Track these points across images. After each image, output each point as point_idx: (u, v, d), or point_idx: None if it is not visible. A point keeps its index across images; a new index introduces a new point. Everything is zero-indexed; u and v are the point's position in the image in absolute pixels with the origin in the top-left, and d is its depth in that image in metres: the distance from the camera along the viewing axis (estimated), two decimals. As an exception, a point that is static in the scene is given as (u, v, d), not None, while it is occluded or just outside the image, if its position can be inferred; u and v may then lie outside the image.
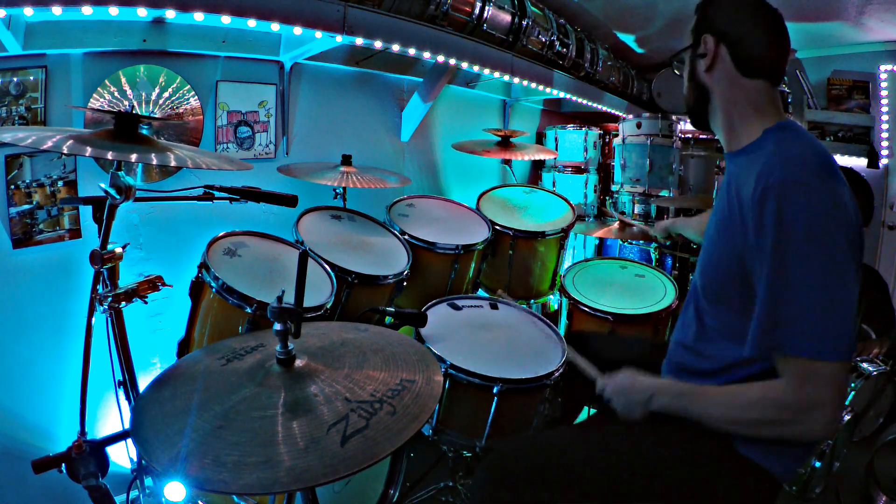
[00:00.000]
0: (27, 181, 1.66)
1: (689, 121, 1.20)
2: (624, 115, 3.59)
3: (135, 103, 1.85)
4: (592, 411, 1.61)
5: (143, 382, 1.05)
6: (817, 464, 1.86)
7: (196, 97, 2.01)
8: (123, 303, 1.17)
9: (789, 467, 0.98)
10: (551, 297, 2.41)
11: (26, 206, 1.66)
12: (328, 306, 1.47)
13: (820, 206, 0.85)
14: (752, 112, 1.03)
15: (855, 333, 0.86)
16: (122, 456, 1.31)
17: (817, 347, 0.84)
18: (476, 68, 2.27)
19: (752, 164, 0.96)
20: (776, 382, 0.89)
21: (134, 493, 1.26)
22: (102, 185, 1.09)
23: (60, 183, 1.72)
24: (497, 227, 2.16)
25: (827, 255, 0.84)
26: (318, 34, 1.70)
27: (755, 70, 1.03)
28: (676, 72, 1.19)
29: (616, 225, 2.72)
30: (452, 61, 2.13)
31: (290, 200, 1.41)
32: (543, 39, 2.63)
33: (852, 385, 2.20)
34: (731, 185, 1.00)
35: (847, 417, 1.93)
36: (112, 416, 1.66)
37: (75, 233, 1.77)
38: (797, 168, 0.88)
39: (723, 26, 1.04)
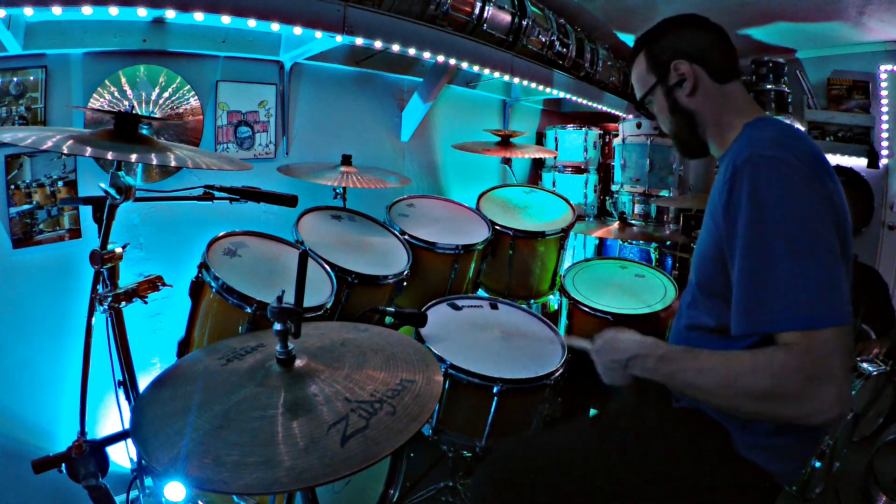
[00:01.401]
0: (27, 181, 1.66)
1: (680, 154, 1.19)
2: (624, 115, 3.59)
3: (135, 103, 1.85)
4: (594, 412, 1.61)
5: (143, 382, 1.05)
6: (817, 464, 1.86)
7: (196, 97, 2.01)
8: (123, 303, 1.17)
9: (790, 468, 0.98)
10: (551, 297, 2.41)
11: (26, 206, 1.66)
12: (328, 306, 1.47)
13: (791, 174, 0.84)
14: (735, 115, 1.05)
15: (848, 295, 0.82)
16: (122, 456, 1.31)
17: (814, 315, 0.78)
18: (476, 68, 2.27)
19: (729, 156, 0.98)
20: (779, 352, 0.80)
21: (134, 493, 1.26)
22: (102, 185, 1.09)
23: (60, 183, 1.72)
24: (497, 227, 2.16)
25: (808, 223, 0.82)
26: (318, 34, 1.71)
27: (726, 73, 1.06)
28: (646, 118, 1.20)
29: (616, 225, 2.72)
30: (452, 61, 2.13)
31: (290, 200, 1.41)
32: (543, 39, 2.63)
33: (852, 385, 2.20)
34: (716, 181, 1.02)
35: (847, 417, 1.93)
36: (112, 416, 1.66)
37: (75, 233, 1.77)
38: (764, 145, 0.89)
39: (688, 48, 1.07)
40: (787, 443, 0.95)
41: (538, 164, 4.03)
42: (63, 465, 1.06)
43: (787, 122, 1.01)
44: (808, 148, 0.90)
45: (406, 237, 1.94)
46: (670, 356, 0.93)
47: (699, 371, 0.88)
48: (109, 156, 1.01)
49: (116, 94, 1.81)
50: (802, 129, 3.65)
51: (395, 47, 1.89)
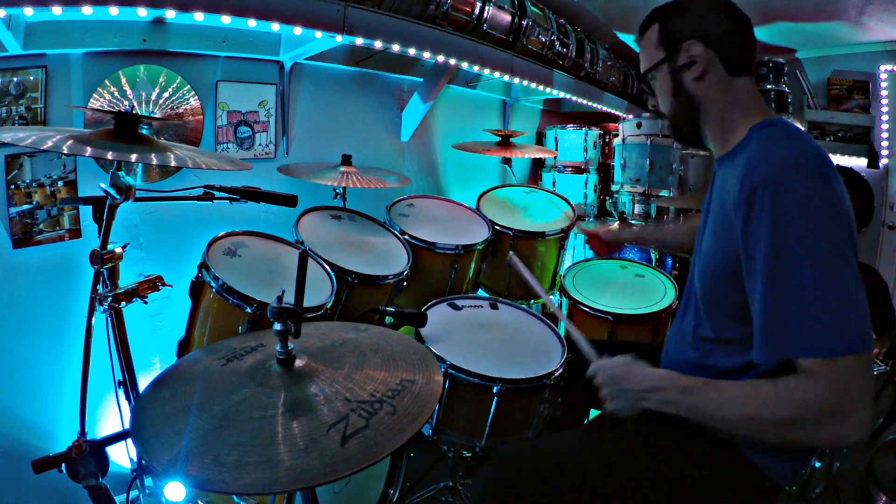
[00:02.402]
0: (27, 181, 1.66)
1: (675, 140, 1.14)
2: (624, 115, 3.59)
3: (135, 103, 1.85)
4: (596, 413, 1.61)
5: (143, 382, 1.05)
6: (817, 464, 1.86)
7: (196, 97, 2.01)
8: (123, 303, 1.17)
9: (791, 468, 0.98)
10: (551, 297, 2.41)
11: (26, 206, 1.66)
12: (328, 306, 1.47)
13: (813, 195, 0.82)
14: (742, 113, 1.00)
15: (869, 323, 0.82)
16: (122, 456, 1.31)
17: (839, 344, 0.78)
18: (476, 68, 2.27)
19: (737, 165, 0.93)
20: (800, 380, 0.81)
21: (134, 493, 1.26)
22: (102, 185, 1.09)
23: (60, 183, 1.72)
24: (497, 227, 2.16)
25: (831, 248, 0.80)
26: (318, 34, 1.71)
27: (741, 67, 1.00)
28: (647, 92, 1.13)
29: (616, 225, 2.72)
30: (452, 61, 2.13)
31: (290, 200, 1.41)
32: (543, 39, 2.63)
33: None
34: (722, 189, 0.98)
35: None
36: (112, 416, 1.66)
37: (75, 233, 1.77)
38: (783, 161, 0.85)
39: (707, 29, 1.00)
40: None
41: (538, 164, 4.03)
42: (63, 465, 1.06)
43: (791, 122, 0.98)
44: (819, 155, 0.87)
45: (406, 237, 1.94)
46: (691, 388, 0.92)
47: (721, 403, 0.88)
48: (109, 156, 1.00)
49: (116, 94, 1.81)
50: (802, 129, 3.65)
51: (395, 47, 1.89)
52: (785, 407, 0.81)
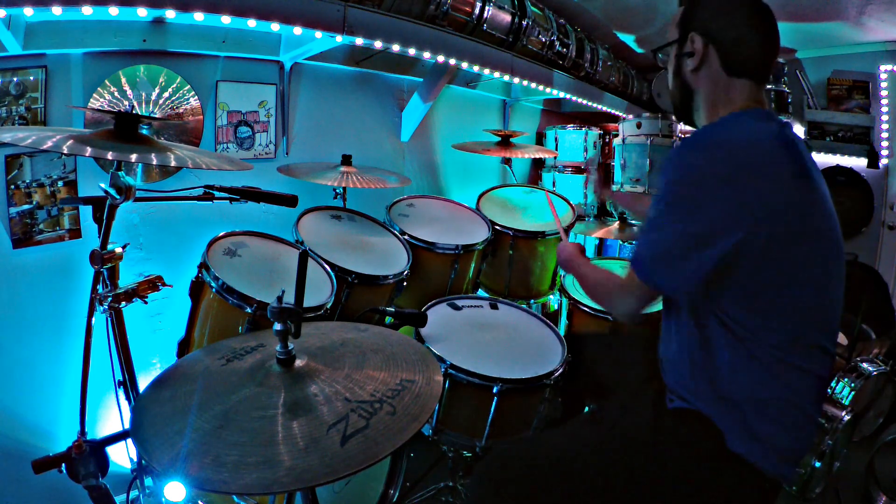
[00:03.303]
0: (27, 181, 1.66)
1: (674, 114, 1.23)
2: (624, 115, 3.59)
3: (135, 103, 1.85)
4: (590, 408, 1.61)
5: (143, 382, 1.05)
6: (817, 464, 1.86)
7: (196, 97, 2.01)
8: (123, 303, 1.17)
9: (780, 463, 0.96)
10: (551, 297, 2.41)
11: (26, 206, 1.66)
12: (328, 306, 1.47)
13: (700, 170, 0.92)
14: (734, 108, 1.03)
15: (678, 268, 0.94)
16: (122, 456, 1.31)
17: (644, 270, 0.99)
18: (476, 68, 2.27)
19: None
20: (625, 276, 1.07)
21: (134, 493, 1.26)
22: (102, 185, 1.09)
23: (60, 183, 1.72)
24: (497, 227, 2.16)
25: (696, 206, 0.91)
26: (318, 34, 1.70)
27: (742, 70, 1.02)
28: (660, 64, 1.19)
29: (616, 225, 2.72)
30: (452, 61, 2.13)
31: (290, 200, 1.41)
32: (543, 39, 2.63)
33: (852, 385, 2.20)
34: None
35: (847, 417, 1.93)
36: (112, 416, 1.66)
37: (75, 233, 1.77)
38: (710, 133, 0.97)
39: (713, 28, 1.02)
40: (778, 435, 0.95)
41: (538, 164, 4.03)
42: (63, 465, 1.06)
43: (772, 123, 0.99)
44: (770, 144, 0.93)
45: (406, 237, 1.94)
46: (581, 266, 1.31)
47: (590, 278, 1.25)
48: (109, 156, 1.00)
49: (116, 94, 1.81)
50: (802, 129, 3.65)
51: (395, 47, 1.89)
52: (606, 284, 1.17)
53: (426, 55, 2.02)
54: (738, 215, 0.89)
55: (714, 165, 0.91)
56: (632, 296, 1.06)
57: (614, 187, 3.62)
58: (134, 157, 1.07)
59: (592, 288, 1.24)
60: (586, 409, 1.59)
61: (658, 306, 1.97)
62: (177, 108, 1.97)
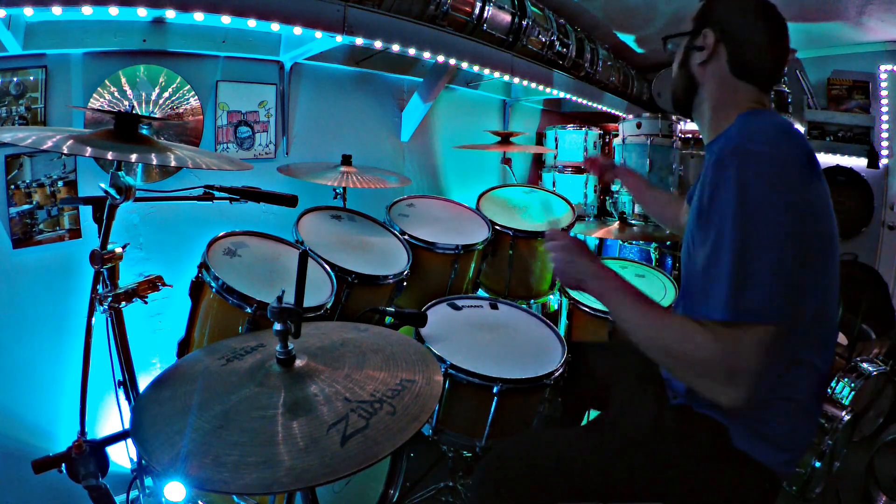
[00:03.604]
0: (27, 181, 1.66)
1: (672, 104, 1.20)
2: (624, 115, 3.59)
3: (135, 103, 1.85)
4: (594, 413, 1.61)
5: (143, 382, 1.05)
6: (817, 464, 1.86)
7: (196, 97, 2.01)
8: (123, 303, 1.17)
9: (783, 459, 0.97)
10: (551, 297, 2.41)
11: (26, 206, 1.66)
12: (328, 306, 1.47)
13: (776, 172, 0.84)
14: (737, 109, 1.03)
15: (797, 296, 0.85)
16: (122, 456, 1.31)
17: (762, 314, 0.82)
18: (476, 68, 2.27)
19: (719, 143, 0.98)
20: (711, 334, 0.84)
21: (134, 493, 1.26)
22: (102, 185, 1.09)
23: (60, 183, 1.72)
24: (497, 227, 2.16)
25: (775, 224, 0.83)
26: (318, 34, 1.70)
27: (749, 75, 1.03)
28: (669, 53, 1.18)
29: (616, 225, 2.72)
30: (452, 61, 2.13)
31: (290, 200, 1.41)
32: (543, 39, 2.63)
33: (852, 385, 2.20)
34: (705, 169, 1.01)
35: (847, 417, 1.93)
36: (112, 416, 1.66)
37: (75, 233, 1.77)
38: (754, 137, 0.89)
39: (728, 26, 1.03)
40: (782, 431, 0.95)
41: (538, 164, 4.03)
42: (63, 465, 1.06)
43: (783, 117, 1.00)
44: (798, 146, 0.90)
45: (406, 237, 1.94)
46: (621, 290, 0.98)
47: (641, 321, 0.93)
48: (109, 156, 1.00)
49: (116, 94, 1.81)
50: (802, 129, 3.65)
51: (395, 47, 1.89)
52: (685, 349, 0.86)
53: (426, 55, 2.02)
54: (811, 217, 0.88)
55: (785, 165, 0.86)
56: (743, 361, 0.83)
57: (614, 187, 3.62)
58: (134, 157, 1.07)
59: (655, 340, 0.91)
60: (590, 414, 1.59)
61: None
62: (177, 108, 1.97)
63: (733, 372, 0.82)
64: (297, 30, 1.63)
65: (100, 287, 1.14)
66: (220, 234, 1.55)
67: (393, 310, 1.42)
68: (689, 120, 1.17)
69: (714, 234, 0.86)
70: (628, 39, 3.60)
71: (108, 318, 1.17)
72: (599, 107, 3.53)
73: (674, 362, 0.90)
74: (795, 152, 0.88)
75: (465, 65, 2.20)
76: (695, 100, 1.10)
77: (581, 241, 1.08)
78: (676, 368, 0.91)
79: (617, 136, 3.55)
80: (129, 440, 1.18)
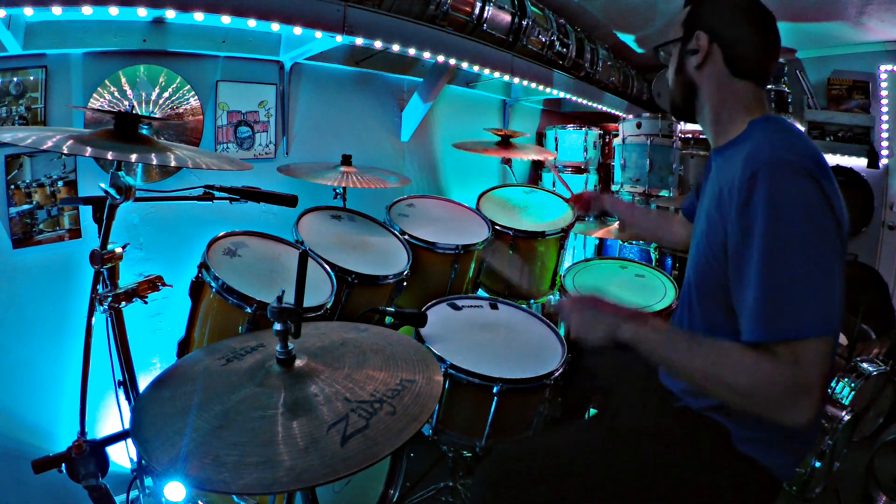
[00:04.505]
0: (27, 181, 1.66)
1: (672, 111, 1.19)
2: (624, 115, 3.59)
3: (135, 103, 1.85)
4: (593, 412, 1.61)
5: (143, 382, 1.05)
6: (817, 464, 1.86)
7: (196, 97, 2.01)
8: (123, 303, 1.17)
9: (788, 462, 0.98)
10: (551, 296, 2.41)
11: (26, 206, 1.66)
12: (328, 306, 1.47)
13: (810, 182, 0.83)
14: (741, 109, 1.03)
15: (840, 305, 0.83)
16: (122, 456, 1.31)
17: (821, 328, 0.80)
18: (476, 68, 2.27)
19: (738, 153, 0.95)
20: (768, 356, 0.81)
21: (134, 493, 1.26)
22: (102, 185, 1.09)
23: (60, 183, 1.72)
24: (497, 227, 2.16)
25: (821, 237, 0.82)
26: (318, 34, 1.71)
27: (745, 72, 1.03)
28: (662, 61, 1.19)
29: (616, 225, 2.72)
30: (452, 61, 2.13)
31: (290, 200, 1.41)
32: (543, 39, 2.63)
33: (852, 385, 2.20)
34: (719, 178, 1.00)
35: (847, 417, 1.93)
36: (112, 416, 1.66)
37: (75, 233, 1.77)
38: (782, 147, 0.87)
39: (719, 26, 1.03)
40: (785, 436, 0.95)
41: (538, 164, 4.03)
42: (63, 465, 1.06)
43: (787, 120, 1.00)
44: (815, 151, 0.90)
45: (406, 237, 1.94)
46: (664, 328, 0.94)
47: (688, 352, 0.89)
48: (109, 156, 1.00)
49: (116, 94, 1.81)
50: (802, 129, 3.65)
51: (395, 47, 1.89)
52: (751, 377, 0.81)
53: (426, 55, 2.02)
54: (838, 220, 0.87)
55: (814, 174, 0.85)
56: (807, 376, 0.79)
57: (614, 187, 3.63)
58: (134, 157, 1.07)
59: (712, 376, 0.86)
60: (590, 412, 1.59)
61: (658, 306, 1.95)
62: (177, 108, 1.97)
63: (801, 391, 0.79)
64: (297, 30, 1.63)
65: (100, 287, 1.14)
66: (220, 234, 1.55)
67: (393, 310, 1.42)
68: (690, 124, 1.17)
69: (760, 254, 0.83)
70: (628, 39, 3.60)
71: (108, 318, 1.17)
72: (599, 107, 3.53)
73: (735, 395, 0.83)
74: (815, 156, 0.88)
75: (465, 65, 2.20)
76: (696, 103, 1.10)
77: (591, 294, 1.05)
78: (738, 399, 0.84)
79: (617, 136, 3.56)
80: (129, 440, 1.18)
